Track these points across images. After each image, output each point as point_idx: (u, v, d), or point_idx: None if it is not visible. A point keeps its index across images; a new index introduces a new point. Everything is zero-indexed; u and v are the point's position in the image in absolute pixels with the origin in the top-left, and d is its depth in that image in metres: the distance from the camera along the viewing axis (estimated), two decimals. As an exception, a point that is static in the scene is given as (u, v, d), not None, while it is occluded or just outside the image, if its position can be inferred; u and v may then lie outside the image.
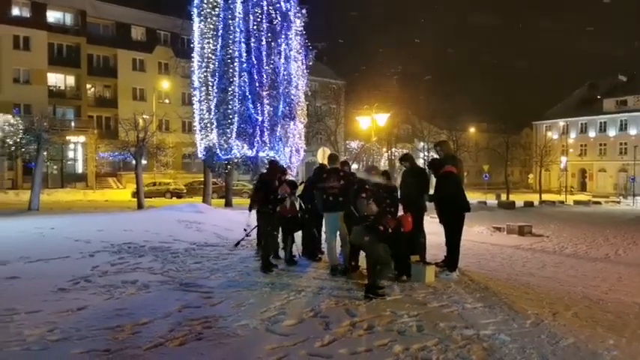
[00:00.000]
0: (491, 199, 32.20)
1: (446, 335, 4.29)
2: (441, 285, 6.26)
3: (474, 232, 13.25)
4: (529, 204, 28.81)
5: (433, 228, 8.11)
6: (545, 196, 39.03)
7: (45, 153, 20.78)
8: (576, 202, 34.18)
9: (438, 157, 7.71)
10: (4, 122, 26.66)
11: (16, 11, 37.41)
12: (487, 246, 10.85)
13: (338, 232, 6.99)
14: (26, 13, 37.82)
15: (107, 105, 43.06)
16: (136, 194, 20.62)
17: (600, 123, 57.65)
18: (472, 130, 55.32)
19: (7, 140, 25.11)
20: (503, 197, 35.17)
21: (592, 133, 58.42)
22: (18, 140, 23.20)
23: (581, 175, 59.29)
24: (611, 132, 56.53)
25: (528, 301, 5.62)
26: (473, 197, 31.82)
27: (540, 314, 5.03)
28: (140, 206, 19.01)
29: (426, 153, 42.29)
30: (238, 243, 7.74)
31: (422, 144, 45.43)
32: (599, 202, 35.63)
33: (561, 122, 60.00)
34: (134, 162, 20.86)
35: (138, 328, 4.36)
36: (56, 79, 40.09)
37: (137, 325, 4.43)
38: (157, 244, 8.80)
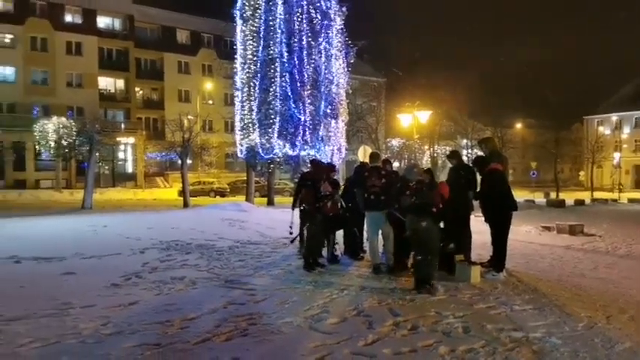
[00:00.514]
0: (539, 198, 31.09)
1: (493, 337, 4.19)
2: (487, 286, 6.11)
3: (522, 232, 12.82)
4: (580, 202, 27.60)
5: (478, 227, 7.92)
6: (597, 194, 37.34)
7: (97, 154, 21.72)
8: (631, 200, 32.50)
9: (482, 154, 7.53)
10: (59, 124, 28.17)
11: (68, 18, 39.27)
12: (536, 246, 10.49)
13: (380, 231, 6.94)
14: (78, 20, 39.63)
15: (154, 107, 44.54)
16: (182, 193, 21.22)
17: (657, 117, 54.61)
18: (519, 126, 53.61)
19: (62, 141, 26.53)
20: (553, 195, 33.88)
21: (648, 128, 55.40)
22: (72, 141, 24.50)
23: (636, 172, 56.32)
24: (669, 126, 53.45)
25: (580, 304, 5.40)
26: (520, 195, 30.77)
27: (593, 317, 4.82)
28: (186, 205, 19.56)
29: (469, 150, 41.33)
30: (294, 240, 7.94)
31: (465, 141, 44.42)
32: (656, 200, 33.72)
33: (614, 117, 57.16)
34: (180, 162, 21.51)
35: (186, 323, 4.49)
36: (106, 82, 41.82)
37: (185, 320, 4.57)
38: (203, 242, 9.03)
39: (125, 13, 42.04)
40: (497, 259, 6.77)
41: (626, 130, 56.69)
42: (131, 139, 39.03)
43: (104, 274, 6.43)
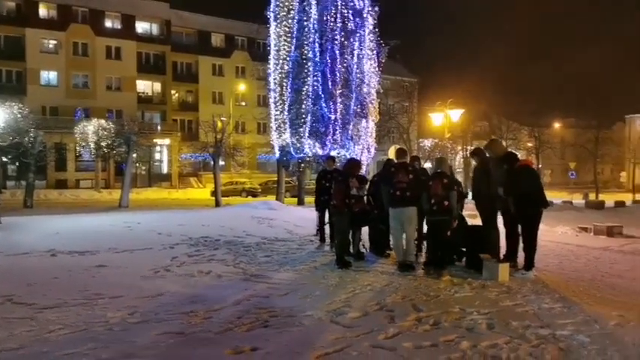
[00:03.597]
0: (577, 199, 30.07)
1: (518, 334, 4.08)
2: (515, 284, 5.96)
3: (558, 233, 12.43)
4: (620, 204, 26.50)
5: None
6: (641, 196, 35.81)
7: (134, 155, 22.35)
8: (677, 203, 30.99)
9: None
10: (99, 127, 29.17)
11: (108, 24, 40.64)
12: (571, 247, 10.13)
13: (405, 228, 6.86)
14: (117, 25, 40.95)
15: (189, 109, 45.56)
16: (214, 193, 21.60)
17: None
18: (557, 125, 51.93)
19: (102, 143, 27.48)
20: (592, 196, 32.69)
21: (697, 127, 52.75)
22: (110, 143, 25.36)
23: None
24: None
25: (613, 303, 5.18)
26: (558, 196, 29.91)
27: (626, 317, 4.61)
28: (218, 204, 19.90)
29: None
30: (318, 233, 8.09)
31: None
32: None
33: (660, 115, 54.74)
34: (213, 162, 21.90)
35: (210, 314, 4.58)
36: (144, 85, 43.04)
37: (209, 311, 4.65)
38: (231, 238, 9.17)
39: (163, 18, 43.15)
40: (528, 258, 6.59)
41: (673, 129, 54.15)
42: (167, 141, 40.01)
43: (135, 267, 6.62)
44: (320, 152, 18.15)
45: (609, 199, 29.00)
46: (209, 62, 45.55)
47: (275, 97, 18.62)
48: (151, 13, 42.42)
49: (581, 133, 49.61)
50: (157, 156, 40.67)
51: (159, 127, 40.31)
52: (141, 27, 42.65)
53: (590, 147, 40.45)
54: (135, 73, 41.18)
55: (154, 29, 43.55)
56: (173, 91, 44.94)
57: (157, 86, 43.70)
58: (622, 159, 52.48)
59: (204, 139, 25.00)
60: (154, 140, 36.60)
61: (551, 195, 26.37)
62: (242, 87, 43.06)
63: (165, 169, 41.08)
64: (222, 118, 28.59)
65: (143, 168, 38.15)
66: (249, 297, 5.17)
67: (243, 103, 44.91)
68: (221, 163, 24.30)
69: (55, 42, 38.24)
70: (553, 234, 11.95)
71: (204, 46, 45.38)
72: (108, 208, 18.06)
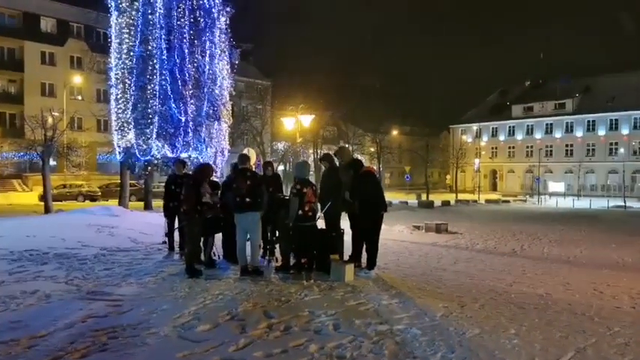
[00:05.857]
0: (412, 199, 33.47)
1: (361, 332, 4.36)
2: (360, 283, 6.37)
3: (395, 231, 13.67)
4: (446, 203, 30.38)
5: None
6: (461, 196, 41.31)
7: None
8: (488, 201, 36.50)
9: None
10: None
11: None
12: (406, 244, 11.24)
13: (249, 233, 6.88)
14: None
15: (12, 101, 39.59)
16: (43, 197, 19.14)
17: (509, 127, 62.02)
18: (395, 132, 57.24)
19: None
20: (424, 197, 36.71)
21: (502, 137, 62.69)
22: None
23: (493, 176, 63.42)
24: (519, 136, 61.00)
25: (440, 295, 5.87)
26: (395, 197, 32.93)
27: (450, 307, 5.25)
28: (47, 210, 17.67)
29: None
30: (169, 244, 7.75)
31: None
32: (508, 201, 38.30)
33: (475, 126, 63.82)
34: (41, 162, 19.37)
35: (35, 342, 4.01)
36: (-49, 71, 36.33)
37: (34, 338, 4.07)
38: (63, 251, 8.18)
39: (-23, -6, 36.96)
40: (371, 258, 7.10)
41: (485, 139, 63.56)
42: (-18, 137, 34.32)
43: None
44: (169, 155, 17.26)
45: (437, 199, 32.90)
46: (37, 49, 40.18)
47: (117, 94, 17.11)
48: (-40, -14, 36.03)
49: (415, 140, 55.45)
50: (-31, 154, 34.61)
51: (-29, 121, 34.38)
52: (-52, 3, 35.95)
53: (422, 153, 45.30)
54: (-62, 55, 34.56)
55: (-33, 7, 37.06)
56: (-9, 80, 38.71)
57: (-30, 73, 37.25)
58: (447, 163, 59.89)
59: (31, 136, 21.91)
60: (-35, 136, 31.13)
61: (390, 196, 29.03)
62: (78, 79, 38.77)
63: (-21, 170, 35.12)
64: (53, 113, 25.52)
65: (-51, 169, 32.19)
66: (84, 318, 4.65)
67: (80, 97, 40.57)
68: (52, 163, 21.62)
69: None
70: (391, 232, 13.11)
71: (31, 30, 39.86)
72: None
